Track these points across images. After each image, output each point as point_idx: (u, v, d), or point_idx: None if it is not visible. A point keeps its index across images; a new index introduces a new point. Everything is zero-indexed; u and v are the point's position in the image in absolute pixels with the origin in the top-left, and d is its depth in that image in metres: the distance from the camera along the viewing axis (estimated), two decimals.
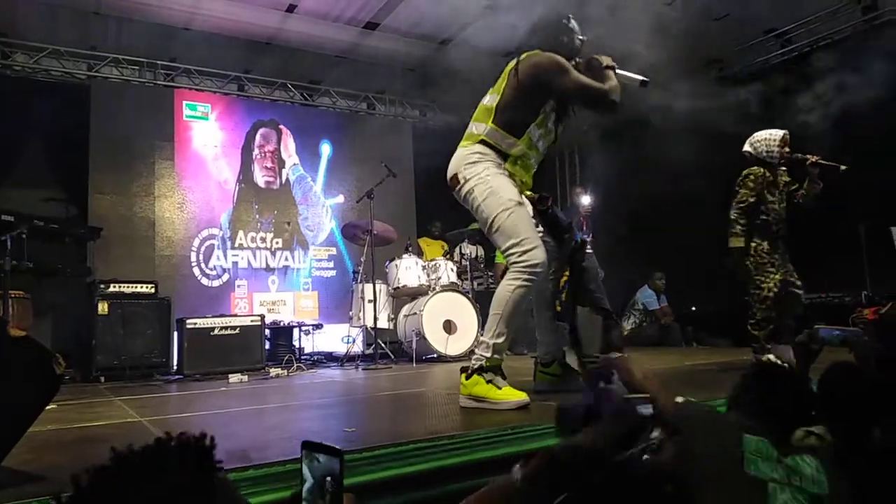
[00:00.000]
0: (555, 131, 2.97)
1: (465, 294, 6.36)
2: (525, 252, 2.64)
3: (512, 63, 2.88)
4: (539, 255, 2.64)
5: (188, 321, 5.55)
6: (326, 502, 0.87)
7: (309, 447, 0.91)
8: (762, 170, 3.87)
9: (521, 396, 2.59)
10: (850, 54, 6.23)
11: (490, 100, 2.89)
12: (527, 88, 2.79)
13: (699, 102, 7.37)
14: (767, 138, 3.91)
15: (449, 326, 5.97)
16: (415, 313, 6.05)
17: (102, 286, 5.58)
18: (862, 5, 6.37)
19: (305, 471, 0.90)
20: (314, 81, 8.14)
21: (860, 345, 1.71)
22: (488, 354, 2.69)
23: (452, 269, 6.52)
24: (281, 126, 7.84)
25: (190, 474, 0.70)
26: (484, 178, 2.75)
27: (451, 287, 6.30)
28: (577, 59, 2.93)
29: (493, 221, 2.73)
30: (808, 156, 3.80)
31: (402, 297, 6.54)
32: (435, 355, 5.90)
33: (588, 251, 7.17)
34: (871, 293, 5.77)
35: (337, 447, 0.89)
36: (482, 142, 2.82)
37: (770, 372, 1.44)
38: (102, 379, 5.27)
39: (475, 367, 2.69)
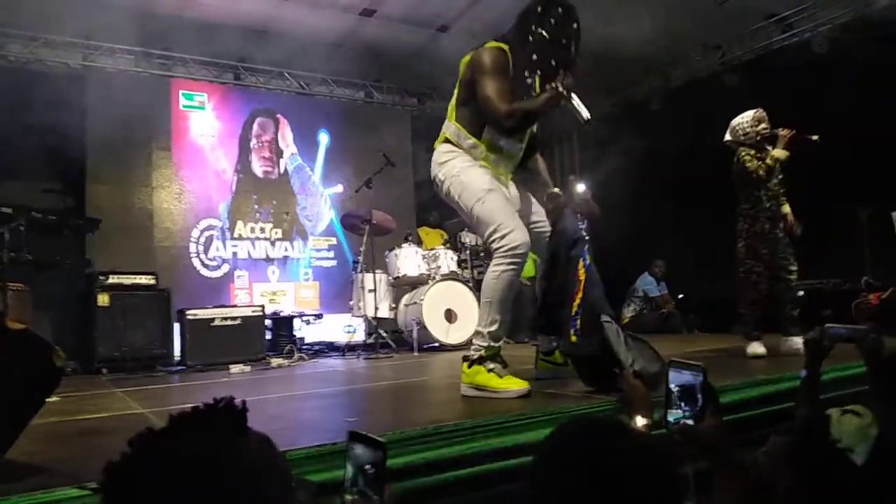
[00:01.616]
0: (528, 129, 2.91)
1: (465, 283, 6.35)
2: (503, 237, 2.64)
3: (465, 57, 2.83)
4: (517, 237, 2.63)
5: (189, 312, 5.55)
6: (369, 488, 0.92)
7: (354, 437, 0.97)
8: (753, 150, 3.77)
9: (522, 385, 2.59)
10: (848, 39, 6.20)
11: (453, 98, 2.88)
12: (469, 87, 2.75)
13: (700, 87, 7.37)
14: (741, 121, 3.85)
15: (450, 315, 5.97)
16: (415, 302, 6.05)
17: (102, 278, 5.56)
18: None
19: (350, 459, 0.96)
20: (311, 70, 8.08)
21: (866, 341, 1.72)
22: (486, 343, 2.70)
23: (452, 258, 6.51)
24: (278, 115, 7.80)
25: (224, 432, 0.75)
26: (456, 174, 2.77)
27: (452, 276, 6.29)
28: (549, 61, 2.65)
29: (471, 214, 2.75)
30: (782, 130, 3.73)
31: (403, 286, 6.53)
32: (436, 344, 5.90)
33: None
34: (871, 278, 5.78)
35: (380, 439, 0.93)
36: (447, 140, 2.85)
37: None
38: (104, 371, 5.27)
39: (475, 357, 2.70)
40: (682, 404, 1.23)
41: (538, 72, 2.68)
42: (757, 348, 3.62)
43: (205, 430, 0.75)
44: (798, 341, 3.51)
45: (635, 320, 7.46)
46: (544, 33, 2.63)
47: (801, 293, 6.03)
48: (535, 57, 2.67)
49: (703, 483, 1.19)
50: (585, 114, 2.56)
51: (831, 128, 5.97)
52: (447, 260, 6.43)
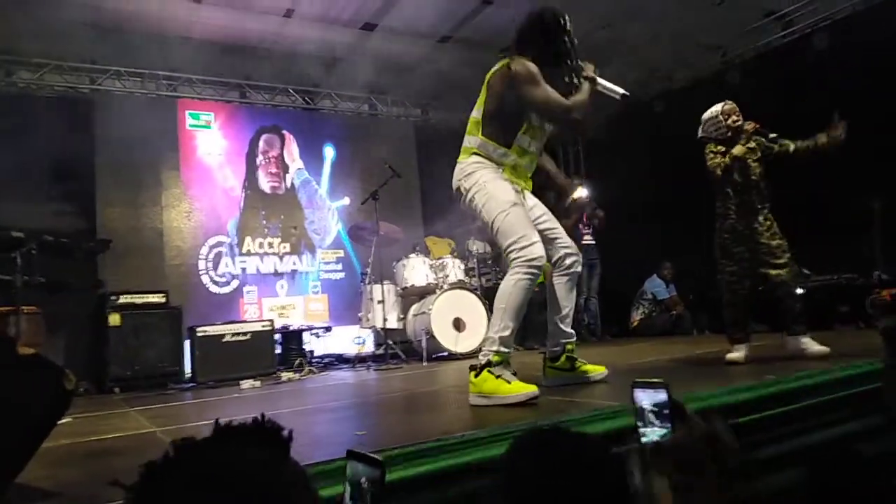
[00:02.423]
0: (545, 130, 3.02)
1: (473, 291, 6.36)
2: (523, 248, 2.74)
3: (492, 72, 2.94)
4: (537, 251, 2.74)
5: (199, 329, 5.60)
6: None
7: (353, 457, 0.98)
8: (721, 146, 3.60)
9: (530, 389, 2.60)
10: (850, 33, 6.18)
11: (476, 113, 2.97)
12: (504, 98, 2.86)
13: (702, 87, 7.35)
14: (711, 116, 3.68)
15: (458, 324, 5.98)
16: (424, 312, 6.06)
17: (113, 298, 5.63)
18: None
19: (349, 476, 0.97)
20: (315, 85, 8.15)
21: None
22: (495, 348, 2.72)
23: (460, 267, 6.52)
24: (284, 131, 7.87)
25: (265, 452, 0.76)
26: (482, 184, 2.86)
27: (459, 285, 6.30)
28: (565, 62, 2.89)
29: (493, 224, 2.84)
30: (747, 123, 3.57)
31: (411, 296, 6.55)
32: (445, 353, 5.91)
33: (588, 241, 7.17)
34: (883, 272, 5.73)
35: (378, 458, 0.94)
36: (475, 153, 2.93)
37: None
38: (117, 390, 5.33)
39: (483, 362, 2.71)
40: (658, 422, 1.23)
41: (567, 72, 2.90)
42: (735, 354, 3.45)
43: (250, 444, 0.76)
44: (806, 341, 3.35)
45: (644, 323, 7.43)
46: (557, 39, 2.88)
47: (800, 291, 6.01)
48: (557, 60, 2.89)
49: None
50: (620, 90, 2.85)
51: (840, 121, 5.99)
52: (455, 269, 6.44)
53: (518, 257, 2.74)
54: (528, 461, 0.91)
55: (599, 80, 2.88)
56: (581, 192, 7.49)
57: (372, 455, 0.95)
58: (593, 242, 7.29)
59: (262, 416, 0.80)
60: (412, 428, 2.55)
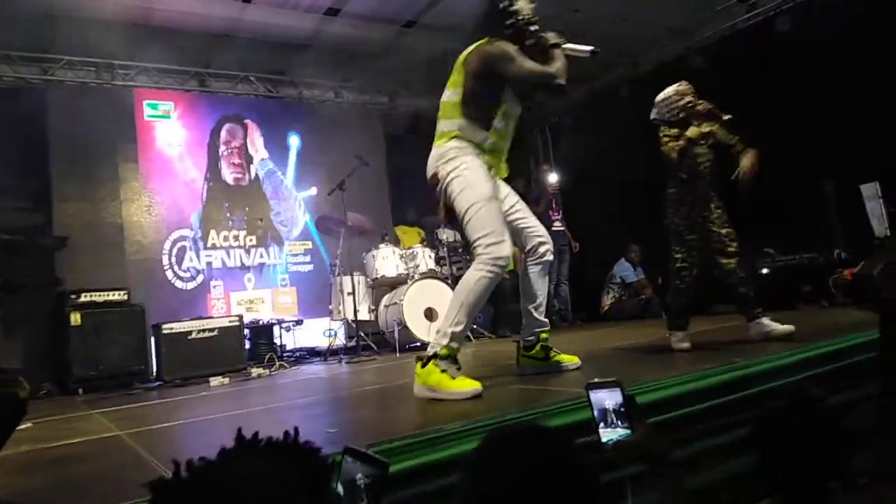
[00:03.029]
0: (515, 113, 3.01)
1: (444, 280, 6.32)
2: (490, 245, 2.70)
3: (463, 55, 2.91)
4: (504, 250, 2.71)
5: (164, 326, 5.45)
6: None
7: (351, 454, 0.96)
8: (675, 129, 3.51)
9: (473, 386, 2.58)
10: (813, 17, 6.27)
11: (452, 95, 2.91)
12: (481, 79, 2.83)
13: (668, 72, 7.39)
14: (663, 98, 3.57)
15: (430, 314, 5.94)
16: (395, 303, 6.01)
17: (73, 296, 5.45)
18: None
19: (342, 476, 0.95)
20: (277, 72, 7.97)
21: None
22: (445, 342, 2.69)
23: (430, 256, 6.48)
24: (246, 120, 7.68)
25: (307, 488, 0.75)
26: (461, 171, 2.81)
27: (430, 274, 6.26)
28: (529, 38, 2.92)
29: (465, 214, 2.78)
30: (699, 103, 3.49)
31: (382, 287, 6.49)
32: (418, 343, 5.87)
33: (558, 227, 7.20)
34: (843, 252, 5.87)
35: (384, 459, 0.92)
36: (457, 137, 2.86)
37: None
38: (80, 391, 5.17)
39: (430, 353, 2.69)
40: (619, 422, 1.23)
41: (533, 44, 2.93)
42: (682, 342, 3.41)
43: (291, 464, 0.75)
44: (767, 322, 3.32)
45: (614, 307, 7.50)
46: (516, 16, 2.90)
47: (765, 270, 6.07)
48: (521, 36, 2.91)
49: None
50: (587, 48, 2.90)
51: (798, 103, 6.10)
52: (425, 258, 6.40)
53: (484, 253, 2.71)
54: (496, 458, 0.89)
55: (566, 44, 2.90)
56: (551, 178, 7.51)
57: (375, 455, 0.94)
58: (563, 228, 7.32)
59: (296, 431, 0.79)
60: (386, 424, 2.51)
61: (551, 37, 2.91)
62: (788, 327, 3.29)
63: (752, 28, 7.02)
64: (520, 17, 2.91)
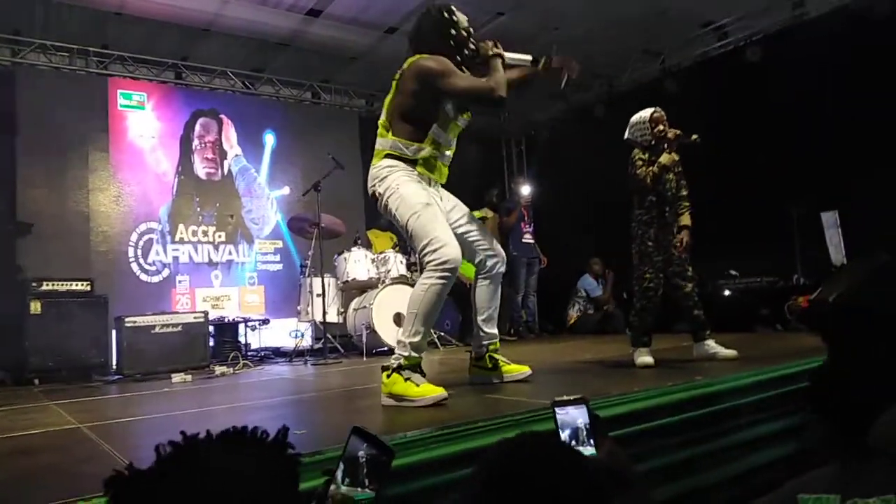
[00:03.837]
0: (460, 124, 3.04)
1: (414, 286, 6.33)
2: (434, 251, 2.69)
3: (399, 72, 2.92)
4: (448, 252, 2.68)
5: (127, 319, 5.35)
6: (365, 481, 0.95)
7: (358, 435, 0.99)
8: (647, 153, 3.63)
9: (438, 391, 2.60)
10: (780, 48, 6.50)
11: (386, 113, 2.95)
12: (416, 95, 2.83)
13: (643, 93, 7.57)
14: (637, 121, 3.66)
15: (399, 319, 5.94)
16: (364, 307, 6.01)
17: (35, 284, 5.33)
18: (791, 2, 6.64)
19: (346, 453, 0.98)
20: (256, 69, 7.93)
21: None
22: (406, 353, 2.71)
23: (402, 262, 6.49)
24: (221, 115, 7.62)
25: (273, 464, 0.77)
26: (394, 188, 2.82)
27: (401, 280, 6.28)
28: (469, 50, 2.93)
29: (406, 227, 2.81)
30: (669, 131, 3.60)
31: (352, 290, 6.48)
32: (385, 348, 5.87)
33: (528, 239, 7.28)
34: (802, 277, 6.07)
35: (390, 446, 0.96)
36: (388, 156, 2.89)
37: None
38: (37, 381, 5.05)
39: (394, 366, 2.70)
40: (588, 440, 1.24)
41: (467, 57, 2.95)
42: (645, 357, 3.48)
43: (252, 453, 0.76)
44: (712, 344, 3.51)
45: (580, 320, 7.62)
46: (449, 30, 2.92)
47: (726, 292, 6.23)
48: (456, 49, 2.92)
49: None
50: (527, 57, 2.95)
51: (765, 130, 6.31)
52: (396, 263, 6.41)
53: (430, 261, 2.69)
54: (507, 466, 0.91)
55: (505, 54, 2.91)
56: (524, 191, 7.60)
57: (382, 440, 0.98)
58: (532, 242, 7.41)
59: (286, 430, 0.81)
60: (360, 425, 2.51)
61: (490, 47, 2.91)
62: (732, 352, 3.46)
63: (723, 56, 7.24)
64: (456, 31, 2.91)
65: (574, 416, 1.25)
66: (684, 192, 3.70)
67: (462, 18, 2.96)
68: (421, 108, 2.85)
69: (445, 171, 3.07)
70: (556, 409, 1.27)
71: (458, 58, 2.89)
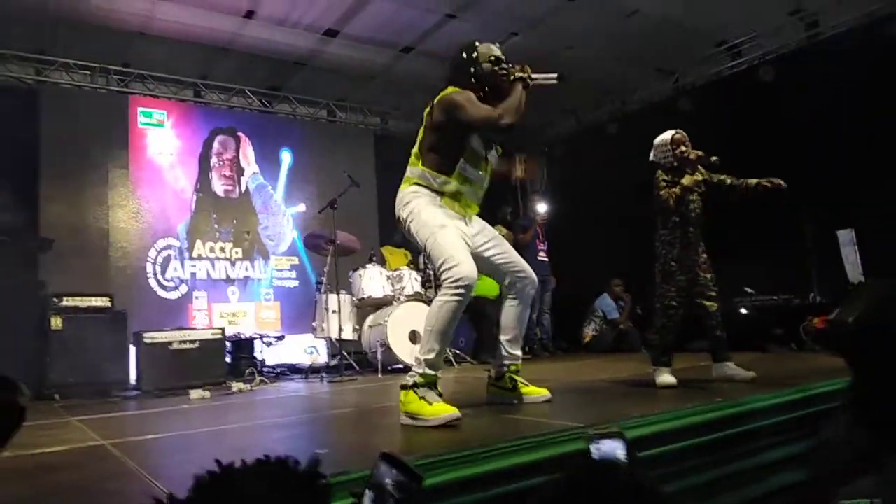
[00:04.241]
0: (489, 159, 3.09)
1: (429, 304, 6.33)
2: (449, 269, 2.73)
3: (428, 106, 3.01)
4: (463, 271, 2.71)
5: (146, 335, 5.42)
6: None
7: (387, 461, 0.99)
8: (671, 174, 3.66)
9: (451, 411, 2.60)
10: (794, 68, 6.51)
11: (418, 143, 3.04)
12: (442, 128, 2.93)
13: (655, 112, 7.61)
14: (660, 143, 3.71)
15: (414, 336, 5.95)
16: (380, 324, 6.03)
17: (55, 300, 5.39)
18: (805, 22, 6.67)
19: (374, 480, 0.98)
20: (273, 88, 8.05)
21: None
22: (421, 371, 2.73)
23: (417, 279, 6.51)
24: (239, 133, 7.72)
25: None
26: (416, 213, 2.91)
27: (416, 297, 6.30)
28: (501, 80, 2.98)
29: (425, 249, 2.89)
30: (691, 152, 3.63)
31: (367, 307, 6.51)
32: (401, 366, 5.88)
33: (543, 257, 7.28)
34: (818, 295, 6.03)
35: (418, 472, 0.96)
36: (415, 184, 2.97)
37: None
38: (57, 396, 5.09)
39: (409, 384, 2.73)
40: None
41: (497, 87, 3.00)
42: (667, 378, 3.49)
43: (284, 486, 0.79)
44: (731, 366, 3.53)
45: (595, 339, 7.59)
46: (476, 65, 3.01)
47: (743, 311, 6.20)
48: (486, 82, 3.01)
49: None
50: (553, 75, 2.96)
51: (779, 149, 6.31)
52: (411, 280, 6.43)
53: (446, 279, 2.75)
54: (578, 495, 0.91)
55: (531, 76, 2.95)
56: (539, 208, 7.62)
57: (410, 465, 0.98)
58: (546, 260, 7.41)
59: (317, 459, 0.84)
60: (373, 448, 2.51)
61: (515, 70, 2.96)
62: (751, 374, 3.45)
63: (736, 75, 7.26)
64: (476, 67, 2.99)
65: (610, 449, 1.25)
66: (727, 179, 3.71)
67: (486, 52, 3.03)
68: (447, 140, 2.94)
69: (475, 208, 3.10)
70: (592, 444, 1.28)
71: (482, 93, 2.96)
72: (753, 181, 3.66)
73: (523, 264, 3.14)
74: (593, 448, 1.27)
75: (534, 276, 3.17)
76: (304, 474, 0.83)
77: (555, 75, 2.96)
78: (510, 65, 3.02)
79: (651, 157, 3.79)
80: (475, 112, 2.85)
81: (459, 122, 2.88)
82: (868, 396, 1.32)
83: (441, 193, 2.94)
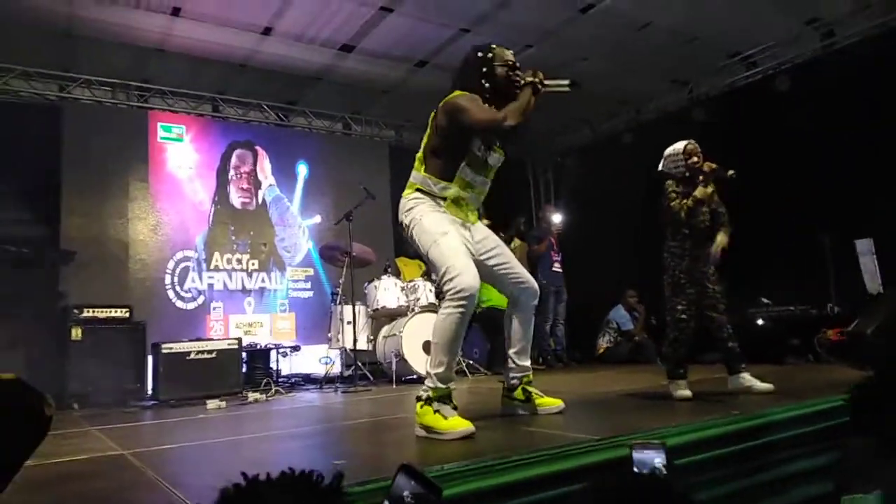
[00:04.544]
0: (491, 163, 3.06)
1: None
2: (451, 280, 2.70)
3: (434, 112, 3.00)
4: (463, 281, 2.68)
5: (164, 346, 5.48)
6: None
7: (406, 472, 0.99)
8: (682, 186, 3.64)
9: (466, 426, 2.59)
10: (809, 78, 6.49)
11: (422, 148, 3.03)
12: (446, 132, 2.91)
13: (670, 121, 7.60)
14: (672, 153, 3.68)
15: (428, 347, 5.98)
16: (394, 334, 6.06)
17: (76, 311, 5.49)
18: (820, 32, 6.65)
19: (392, 491, 0.98)
20: (290, 102, 8.15)
21: None
22: (432, 385, 2.73)
23: (431, 290, 6.53)
24: (257, 147, 7.83)
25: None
26: (418, 219, 2.89)
27: (430, 308, 6.31)
28: (514, 84, 2.96)
29: (427, 258, 2.87)
30: (706, 164, 3.60)
31: (382, 318, 6.54)
32: (415, 376, 5.90)
33: (557, 268, 7.26)
34: (837, 305, 5.97)
35: (437, 484, 0.96)
36: (417, 189, 2.96)
37: None
38: (76, 405, 5.18)
39: (423, 398, 2.73)
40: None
41: (508, 93, 2.97)
42: (684, 391, 3.47)
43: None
44: (748, 377, 3.49)
45: (610, 351, 7.56)
46: (487, 70, 2.97)
47: (760, 322, 6.15)
48: (495, 87, 2.97)
49: None
50: (565, 82, 2.94)
51: (795, 159, 6.28)
52: (426, 291, 6.46)
53: (448, 290, 2.71)
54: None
55: (543, 81, 2.92)
56: (554, 218, 7.62)
57: (430, 477, 0.98)
58: (561, 271, 7.40)
59: (341, 473, 0.86)
60: (388, 459, 2.53)
61: (527, 75, 2.94)
62: (768, 385, 3.43)
63: (751, 85, 7.24)
64: (489, 69, 2.96)
65: (651, 457, 1.27)
66: (723, 219, 3.69)
67: (501, 54, 3.01)
68: (449, 143, 2.92)
69: (475, 215, 3.11)
70: (634, 451, 1.30)
71: (489, 95, 2.94)
72: (718, 238, 3.63)
73: (525, 274, 3.13)
74: (635, 456, 1.28)
75: (535, 286, 3.15)
76: (327, 488, 0.84)
77: (566, 82, 2.95)
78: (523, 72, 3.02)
79: (661, 166, 3.76)
80: (478, 114, 2.83)
81: (462, 124, 2.86)
82: (882, 406, 1.33)
83: (443, 199, 2.93)
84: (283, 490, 0.83)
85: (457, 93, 2.94)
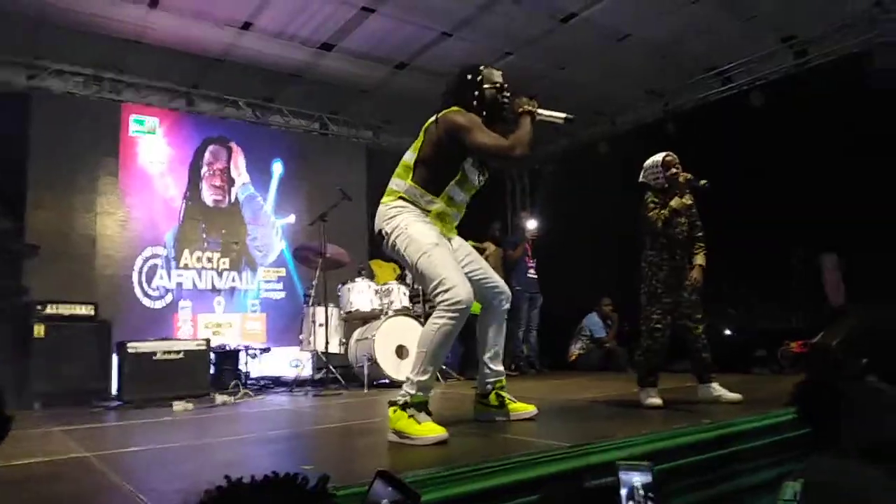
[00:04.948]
0: (477, 184, 3.07)
1: (417, 318, 6.35)
2: (446, 291, 2.70)
3: (430, 120, 2.98)
4: (459, 293, 2.69)
5: (129, 345, 5.34)
6: None
7: (383, 478, 0.98)
8: (660, 197, 3.68)
9: (439, 432, 2.59)
10: (783, 94, 6.63)
11: (409, 157, 2.98)
12: (443, 146, 2.89)
13: (644, 133, 7.71)
14: (651, 165, 3.74)
15: (401, 351, 5.95)
16: (367, 338, 6.02)
17: (39, 307, 5.33)
18: (794, 50, 6.80)
19: (370, 498, 0.97)
20: (267, 99, 8.06)
21: None
22: (412, 391, 2.72)
23: (405, 293, 6.51)
24: (231, 143, 7.72)
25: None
26: (403, 228, 2.85)
27: (404, 311, 6.30)
28: (502, 107, 2.99)
29: (416, 268, 2.82)
30: (681, 174, 3.66)
31: (354, 321, 6.49)
32: (387, 380, 5.87)
33: (532, 275, 7.30)
34: (801, 319, 6.10)
35: (416, 490, 0.95)
36: (401, 198, 2.92)
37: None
38: (37, 405, 5.02)
39: (399, 403, 2.71)
40: (646, 503, 1.29)
41: (497, 116, 3.00)
42: (654, 399, 3.50)
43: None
44: (717, 387, 3.56)
45: (582, 358, 7.61)
46: (480, 89, 2.98)
47: (728, 332, 6.27)
48: (487, 108, 2.98)
49: None
50: (562, 115, 2.95)
51: (766, 174, 6.41)
52: (400, 295, 6.43)
53: (442, 301, 2.70)
54: None
55: (539, 111, 2.94)
56: (529, 225, 7.66)
57: (408, 484, 0.97)
58: (536, 277, 7.43)
59: (327, 477, 0.86)
60: (357, 465, 2.50)
61: (523, 103, 2.94)
62: (736, 395, 3.49)
63: (725, 100, 7.38)
64: (480, 92, 2.96)
65: (633, 477, 1.28)
66: (699, 234, 3.76)
67: (491, 76, 3.02)
68: (443, 159, 2.90)
69: (455, 231, 3.12)
70: (620, 471, 1.31)
71: (484, 115, 2.94)
72: (692, 274, 3.68)
73: (498, 280, 3.15)
74: (622, 476, 1.29)
75: (508, 291, 3.17)
76: (312, 491, 0.83)
77: (563, 115, 2.95)
78: (512, 93, 3.02)
79: (641, 178, 3.81)
80: (486, 139, 2.81)
81: (464, 144, 2.84)
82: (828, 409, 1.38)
83: (427, 212, 2.91)
84: (267, 492, 0.81)
85: (454, 109, 2.92)
